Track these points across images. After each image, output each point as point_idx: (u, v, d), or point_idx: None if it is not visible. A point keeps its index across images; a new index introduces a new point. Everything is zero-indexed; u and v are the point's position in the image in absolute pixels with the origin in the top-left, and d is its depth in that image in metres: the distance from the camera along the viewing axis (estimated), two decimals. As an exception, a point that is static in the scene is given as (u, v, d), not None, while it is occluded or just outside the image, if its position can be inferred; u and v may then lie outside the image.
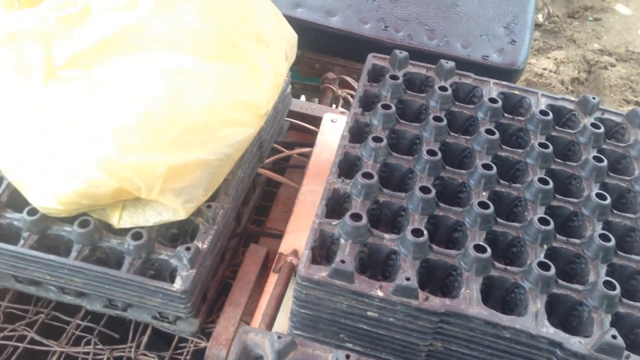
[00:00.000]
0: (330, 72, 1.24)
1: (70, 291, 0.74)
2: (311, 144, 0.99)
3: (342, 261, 0.58)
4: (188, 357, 0.72)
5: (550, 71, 2.70)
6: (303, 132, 1.03)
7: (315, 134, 1.01)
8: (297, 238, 0.82)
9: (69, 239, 0.71)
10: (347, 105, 1.23)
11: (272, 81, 0.74)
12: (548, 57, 2.78)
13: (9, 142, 0.68)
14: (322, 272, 0.59)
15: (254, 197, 0.90)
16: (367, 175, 0.66)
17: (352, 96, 1.22)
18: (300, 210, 0.85)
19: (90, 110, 0.67)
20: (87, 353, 0.72)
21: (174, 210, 0.71)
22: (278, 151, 0.97)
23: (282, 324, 0.72)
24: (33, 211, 0.70)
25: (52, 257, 0.68)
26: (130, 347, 0.73)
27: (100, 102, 0.68)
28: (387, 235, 0.63)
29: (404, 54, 0.83)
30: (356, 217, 0.62)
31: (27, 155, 0.67)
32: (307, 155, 0.97)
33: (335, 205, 0.68)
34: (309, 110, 1.04)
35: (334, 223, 0.64)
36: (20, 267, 0.71)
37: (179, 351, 0.73)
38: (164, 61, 0.69)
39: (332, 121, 0.99)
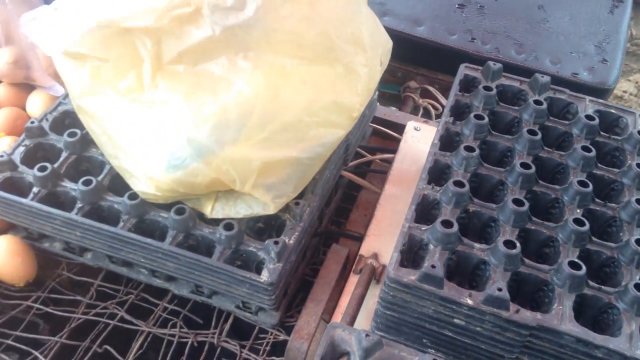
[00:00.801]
0: (412, 81, 1.25)
1: (160, 275, 0.78)
2: (393, 150, 1.00)
3: (433, 266, 0.58)
4: (267, 348, 0.74)
5: (631, 94, 2.61)
6: (385, 138, 1.04)
7: (397, 140, 1.02)
8: (377, 241, 0.82)
9: (164, 224, 0.74)
10: (426, 114, 1.23)
11: (366, 85, 0.75)
12: (629, 80, 2.68)
13: (115, 130, 0.73)
14: (411, 276, 0.59)
15: (335, 198, 0.92)
16: (459, 184, 0.67)
17: (433, 106, 1.22)
18: (381, 214, 0.86)
19: (193, 103, 0.71)
20: (173, 335, 0.76)
21: (264, 205, 0.73)
22: (361, 155, 0.98)
23: (361, 324, 0.72)
24: (133, 196, 0.74)
25: (149, 240, 0.71)
26: (214, 333, 0.76)
27: (203, 96, 0.71)
28: (477, 245, 0.63)
29: (498, 65, 0.83)
30: (447, 224, 0.62)
31: (131, 143, 0.71)
32: (389, 161, 0.98)
33: (423, 211, 0.68)
34: (392, 117, 1.04)
35: (423, 228, 0.64)
36: (117, 248, 0.74)
37: (258, 341, 0.75)
38: (266, 61, 0.72)
39: (415, 129, 0.99)
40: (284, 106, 0.71)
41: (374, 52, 0.76)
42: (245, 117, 0.70)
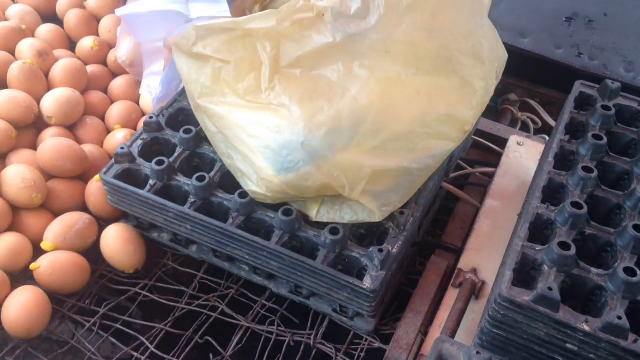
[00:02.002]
0: (512, 93, 1.22)
1: (261, 272, 0.80)
2: (492, 164, 0.99)
3: (550, 288, 0.57)
4: (362, 355, 0.75)
5: None
6: (484, 151, 1.03)
7: (496, 154, 1.00)
8: (476, 256, 0.81)
9: (270, 224, 0.76)
10: (524, 128, 1.20)
11: (481, 99, 0.75)
12: None
13: (230, 130, 0.75)
14: (524, 296, 0.58)
15: (433, 209, 0.91)
16: (577, 205, 0.65)
17: (533, 121, 1.19)
18: (481, 228, 0.85)
19: (308, 108, 0.72)
20: (271, 333, 0.77)
21: (370, 212, 0.74)
22: (460, 167, 0.97)
23: (459, 340, 0.72)
24: (243, 195, 0.76)
25: (256, 239, 0.74)
26: (309, 334, 0.77)
27: (318, 102, 0.73)
28: (594, 269, 0.61)
29: (617, 84, 0.80)
30: (565, 246, 0.61)
31: (245, 144, 0.74)
32: (488, 175, 0.97)
33: (535, 230, 0.67)
34: (494, 130, 1.03)
35: (537, 248, 0.63)
36: (224, 244, 0.77)
37: (353, 347, 0.76)
38: (382, 69, 0.73)
39: (518, 144, 0.97)
40: (397, 116, 0.72)
41: (491, 66, 0.75)
42: (358, 124, 0.71)
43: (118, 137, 0.93)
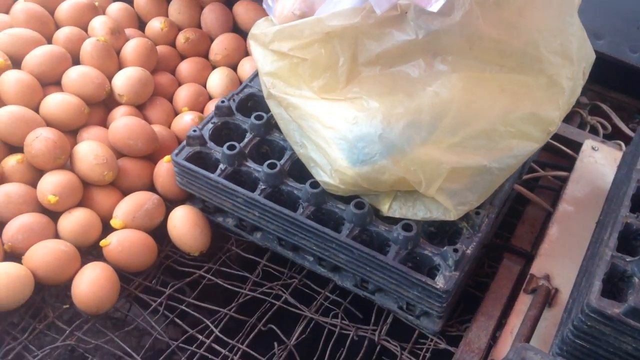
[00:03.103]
0: (582, 96, 1.18)
1: (327, 264, 0.79)
2: (563, 167, 0.95)
3: (643, 302, 0.54)
4: (427, 355, 0.73)
5: None
6: (554, 154, 0.99)
7: (567, 157, 0.97)
8: (549, 262, 0.79)
9: (340, 216, 0.75)
10: (593, 132, 1.16)
11: (567, 99, 0.72)
12: None
13: (305, 120, 0.74)
14: (615, 308, 0.56)
15: (502, 211, 0.89)
16: (670, 217, 0.62)
17: (603, 125, 1.15)
18: (554, 234, 0.82)
19: (387, 100, 0.71)
20: (334, 325, 0.77)
21: (445, 210, 0.72)
22: (531, 169, 0.95)
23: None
24: (315, 185, 0.75)
25: (327, 230, 0.73)
26: (374, 330, 0.76)
27: (397, 95, 0.71)
28: (688, 285, 0.58)
29: None
30: (658, 258, 0.58)
31: (320, 134, 0.73)
32: (560, 179, 0.94)
33: (623, 240, 0.64)
34: (567, 133, 0.99)
35: (628, 259, 0.60)
36: (291, 233, 0.76)
37: (418, 346, 0.75)
38: (465, 65, 0.70)
39: (593, 149, 0.94)
40: (479, 112, 0.70)
41: (579, 65, 0.72)
42: (438, 119, 0.69)
43: (186, 120, 0.94)
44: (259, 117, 0.83)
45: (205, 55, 1.07)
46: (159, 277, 0.81)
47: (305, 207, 0.76)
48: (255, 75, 0.91)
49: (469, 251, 0.71)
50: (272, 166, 0.77)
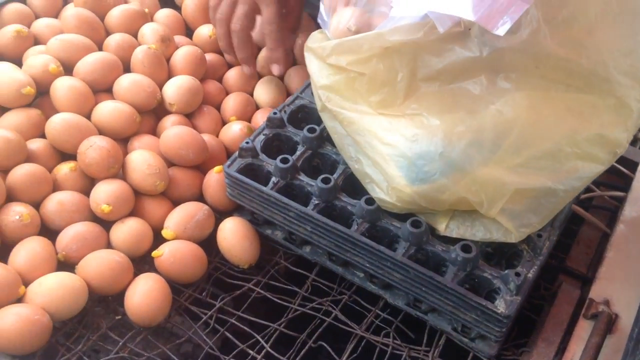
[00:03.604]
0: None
1: (378, 281, 0.78)
2: (620, 187, 0.93)
3: None
4: (483, 379, 0.72)
5: None
6: (610, 173, 0.97)
7: (624, 176, 0.94)
8: (609, 286, 0.76)
9: (395, 234, 0.74)
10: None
11: (636, 121, 0.69)
12: None
13: (361, 135, 0.73)
14: (693, 344, 0.54)
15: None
16: None
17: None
18: (613, 257, 0.80)
19: (448, 118, 0.69)
20: (386, 345, 0.75)
21: (506, 232, 0.70)
22: (588, 189, 0.92)
23: (592, 376, 0.67)
24: (370, 201, 0.74)
25: (382, 248, 0.71)
26: (427, 351, 0.74)
27: (458, 113, 0.69)
28: None
29: None
30: None
31: (377, 150, 0.71)
32: (617, 199, 0.91)
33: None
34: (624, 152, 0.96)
35: None
36: (344, 249, 0.75)
37: (472, 369, 0.73)
38: (529, 83, 0.68)
39: (651, 168, 0.91)
40: (544, 132, 0.68)
41: (649, 86, 0.70)
42: (501, 138, 0.68)
43: (234, 129, 0.93)
44: (311, 130, 0.82)
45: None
46: (208, 289, 0.80)
47: (359, 223, 0.74)
48: (307, 86, 0.90)
49: (530, 275, 0.69)
50: (326, 181, 0.76)
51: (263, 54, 1.05)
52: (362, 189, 0.77)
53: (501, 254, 0.75)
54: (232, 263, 0.82)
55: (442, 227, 0.73)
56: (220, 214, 0.86)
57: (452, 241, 0.73)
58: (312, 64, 0.77)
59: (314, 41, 0.77)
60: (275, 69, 0.94)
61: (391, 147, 0.70)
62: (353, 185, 0.79)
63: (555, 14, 0.66)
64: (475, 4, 0.64)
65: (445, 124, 0.69)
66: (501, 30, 0.63)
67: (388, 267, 0.72)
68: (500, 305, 0.66)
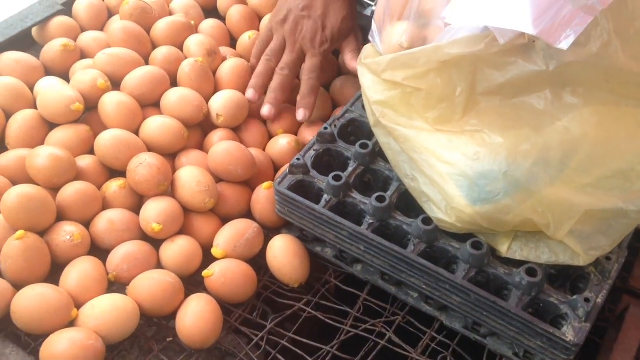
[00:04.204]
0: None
1: (434, 303, 0.75)
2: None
3: None
4: (547, 408, 0.68)
5: None
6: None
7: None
8: (679, 311, 0.72)
9: (454, 255, 0.71)
10: None
11: None
12: None
13: (418, 153, 0.70)
14: None
15: (622, 250, 0.82)
16: None
17: None
18: (682, 279, 0.76)
19: (511, 136, 0.66)
20: (444, 370, 0.72)
21: (573, 254, 0.67)
22: None
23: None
24: (427, 221, 0.71)
25: (441, 270, 0.69)
26: (487, 377, 0.71)
27: (522, 130, 0.66)
28: None
29: None
30: None
31: (435, 169, 0.69)
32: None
33: None
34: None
35: None
36: (399, 269, 0.73)
37: (535, 397, 0.70)
38: (599, 100, 0.65)
39: None
40: (614, 150, 0.64)
41: None
42: (569, 157, 0.64)
43: (282, 143, 0.91)
44: (364, 146, 0.80)
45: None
46: (259, 309, 0.78)
47: (416, 244, 0.72)
48: (357, 99, 0.88)
49: (599, 300, 0.65)
50: (380, 199, 0.74)
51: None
52: (417, 207, 0.74)
53: (566, 277, 0.71)
54: (282, 282, 0.80)
55: (504, 248, 0.70)
56: (268, 230, 0.84)
57: (513, 263, 0.70)
58: (366, 79, 0.74)
59: (367, 56, 0.75)
60: (301, 115, 0.92)
61: (451, 166, 0.67)
62: (407, 203, 0.77)
63: (627, 27, 0.63)
64: (536, 17, 0.61)
65: (508, 142, 0.66)
66: (564, 44, 0.60)
67: (446, 290, 0.70)
68: (569, 333, 0.63)
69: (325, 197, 0.77)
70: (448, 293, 0.70)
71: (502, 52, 0.67)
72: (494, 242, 0.71)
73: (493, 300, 0.66)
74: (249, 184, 0.86)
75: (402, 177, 0.75)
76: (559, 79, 0.66)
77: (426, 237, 0.71)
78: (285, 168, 0.81)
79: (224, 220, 0.83)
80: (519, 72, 0.66)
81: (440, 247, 0.72)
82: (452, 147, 0.67)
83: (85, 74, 0.87)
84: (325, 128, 0.82)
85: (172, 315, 0.73)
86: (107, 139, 0.81)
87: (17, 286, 0.69)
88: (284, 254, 0.79)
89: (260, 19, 1.10)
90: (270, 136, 0.95)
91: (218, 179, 0.84)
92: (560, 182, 0.64)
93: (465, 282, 0.68)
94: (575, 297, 0.64)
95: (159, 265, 0.77)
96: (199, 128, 0.92)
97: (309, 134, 0.93)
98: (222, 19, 1.10)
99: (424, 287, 0.72)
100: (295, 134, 0.95)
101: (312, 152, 0.82)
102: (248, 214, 0.85)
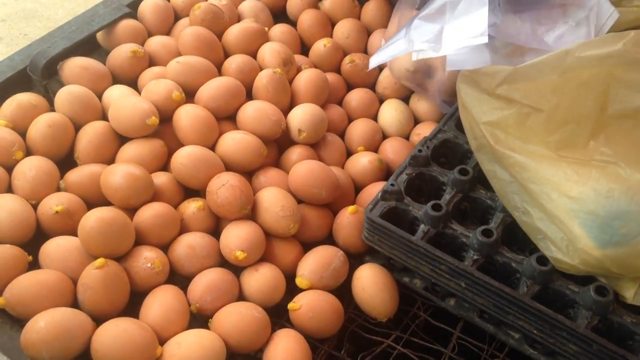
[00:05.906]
0: None
1: (540, 347, 0.68)
2: None
3: None
4: None
5: None
6: None
7: None
8: None
9: (572, 299, 0.64)
10: None
11: None
12: None
13: (533, 184, 0.64)
14: None
15: None
16: None
17: None
18: None
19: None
20: (554, 423, 0.66)
21: None
22: None
23: None
24: (543, 260, 0.65)
25: (560, 317, 0.62)
26: None
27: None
28: None
29: None
30: None
31: (555, 203, 0.62)
32: None
33: None
34: None
35: None
36: (505, 311, 0.66)
37: None
38: None
39: None
40: None
41: None
42: None
43: (363, 162, 0.85)
44: (463, 172, 0.73)
45: (371, 85, 0.98)
46: (345, 345, 0.72)
47: (529, 285, 0.65)
48: (450, 117, 0.81)
49: None
50: (487, 234, 0.67)
51: (384, 74, 0.96)
52: (522, 240, 0.68)
53: (697, 326, 0.64)
54: (369, 315, 0.74)
55: (630, 294, 0.63)
56: (351, 257, 0.78)
57: (638, 310, 0.63)
58: (470, 96, 0.68)
59: (475, 70, 0.68)
60: None
61: (577, 202, 0.61)
62: (511, 236, 0.70)
63: None
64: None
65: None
66: None
67: (562, 337, 0.63)
68: None
69: (423, 227, 0.70)
70: (564, 341, 0.63)
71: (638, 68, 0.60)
72: (617, 286, 0.64)
73: (622, 354, 0.59)
74: (330, 206, 0.80)
75: (511, 209, 0.68)
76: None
77: (541, 278, 0.65)
78: (372, 190, 0.76)
79: (305, 244, 0.77)
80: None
81: (556, 290, 0.65)
82: (579, 181, 0.61)
83: (158, 84, 0.82)
84: (420, 150, 0.76)
85: (258, 351, 0.67)
86: (185, 157, 0.75)
87: (96, 318, 0.64)
88: (372, 287, 0.73)
89: (333, 25, 1.03)
90: (349, 152, 0.89)
91: (299, 200, 0.79)
92: None
93: (587, 331, 0.61)
94: None
95: (240, 294, 0.71)
96: (275, 143, 0.86)
97: (391, 151, 0.87)
98: (292, 23, 1.04)
99: (534, 331, 0.65)
100: (376, 150, 0.89)
101: (404, 176, 0.75)
102: (328, 238, 0.80)
